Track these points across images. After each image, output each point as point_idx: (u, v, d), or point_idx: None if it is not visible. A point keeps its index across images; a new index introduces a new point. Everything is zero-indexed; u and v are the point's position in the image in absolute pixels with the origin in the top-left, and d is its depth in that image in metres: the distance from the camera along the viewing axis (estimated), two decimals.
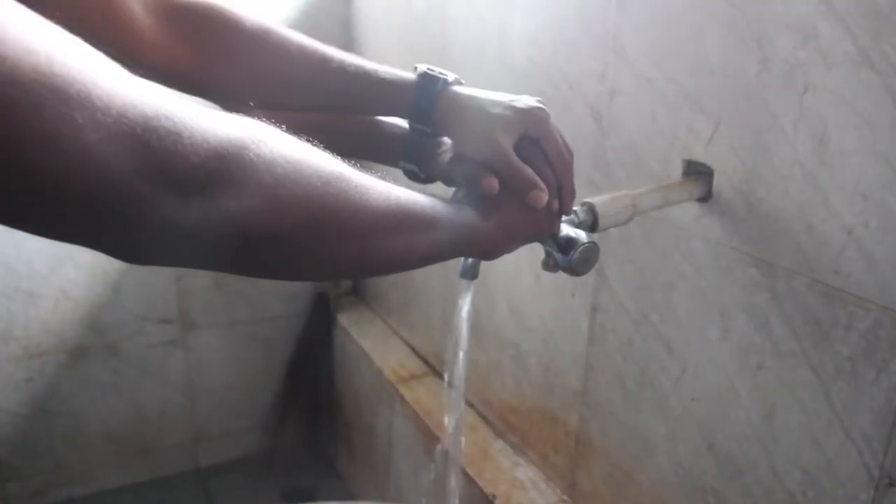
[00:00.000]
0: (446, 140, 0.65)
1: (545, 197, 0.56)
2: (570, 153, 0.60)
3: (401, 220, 0.47)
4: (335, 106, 0.65)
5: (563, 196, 0.59)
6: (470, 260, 0.64)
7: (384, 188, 0.46)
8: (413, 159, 0.66)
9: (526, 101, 0.59)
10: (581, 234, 0.61)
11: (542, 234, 0.60)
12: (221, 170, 0.35)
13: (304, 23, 1.66)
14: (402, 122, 0.65)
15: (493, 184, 0.55)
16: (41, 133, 0.29)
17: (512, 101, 0.59)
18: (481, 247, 0.55)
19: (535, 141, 0.59)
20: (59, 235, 0.33)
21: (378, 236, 0.45)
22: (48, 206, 0.31)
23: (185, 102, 0.35)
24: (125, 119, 0.31)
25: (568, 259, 0.60)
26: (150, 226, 0.34)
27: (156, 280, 1.71)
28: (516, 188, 0.56)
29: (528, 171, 0.57)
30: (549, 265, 0.63)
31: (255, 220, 0.37)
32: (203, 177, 0.34)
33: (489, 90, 0.61)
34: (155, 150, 0.32)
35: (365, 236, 0.44)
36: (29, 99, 0.28)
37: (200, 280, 1.76)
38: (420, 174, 0.67)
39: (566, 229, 0.61)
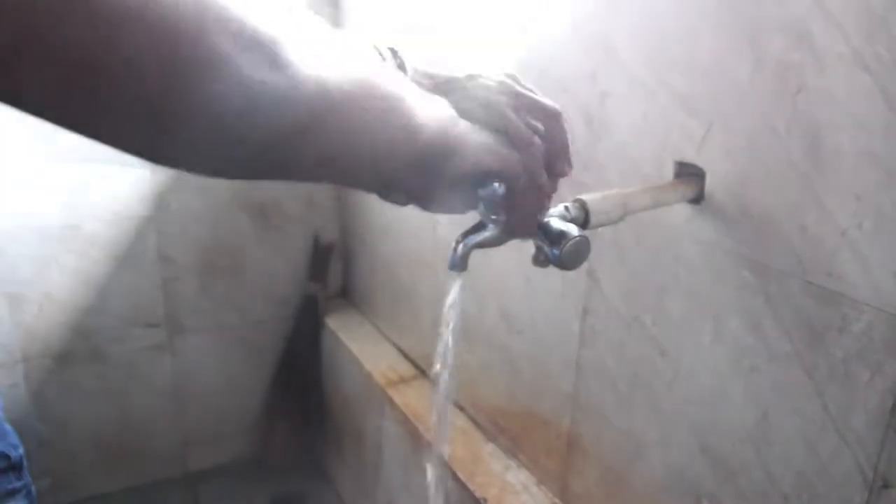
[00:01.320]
0: None
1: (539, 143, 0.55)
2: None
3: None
4: None
5: (556, 153, 0.57)
6: (459, 250, 0.63)
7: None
8: None
9: (492, 77, 0.61)
10: (572, 228, 0.60)
11: (547, 196, 0.58)
12: (277, 43, 0.34)
13: None
14: None
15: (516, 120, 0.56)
16: None
17: (480, 78, 0.61)
18: (511, 165, 0.53)
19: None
20: (117, 103, 0.30)
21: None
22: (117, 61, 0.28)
23: None
24: None
25: (558, 252, 0.59)
26: (229, 83, 0.32)
27: (141, 284, 1.69)
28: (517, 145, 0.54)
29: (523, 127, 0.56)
30: (540, 260, 0.62)
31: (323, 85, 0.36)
32: (268, 41, 0.34)
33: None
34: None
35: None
36: None
37: (187, 284, 1.75)
38: None
39: (557, 223, 0.61)
